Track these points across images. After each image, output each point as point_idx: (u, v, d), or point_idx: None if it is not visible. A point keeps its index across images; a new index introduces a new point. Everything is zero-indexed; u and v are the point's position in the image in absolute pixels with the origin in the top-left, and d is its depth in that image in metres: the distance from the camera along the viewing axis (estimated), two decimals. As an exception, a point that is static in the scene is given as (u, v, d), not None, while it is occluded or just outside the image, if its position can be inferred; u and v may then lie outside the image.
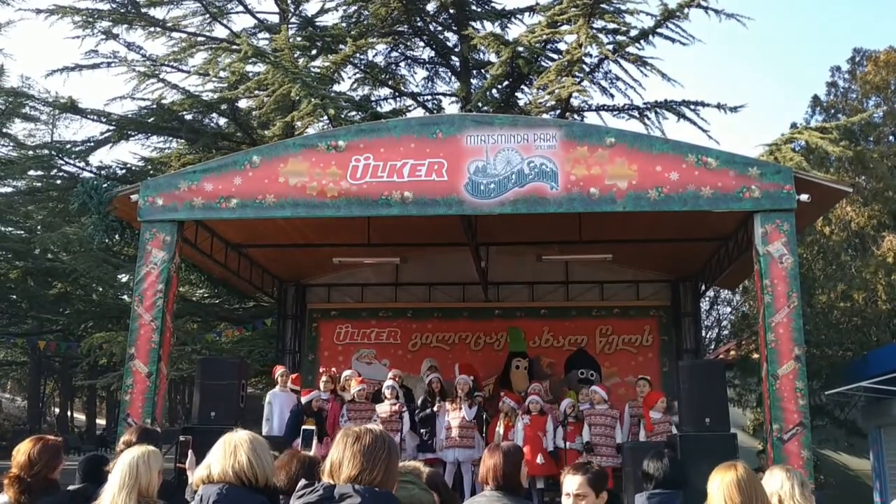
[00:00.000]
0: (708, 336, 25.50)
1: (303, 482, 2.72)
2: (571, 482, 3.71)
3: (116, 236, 10.73)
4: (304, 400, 10.44)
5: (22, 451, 4.43)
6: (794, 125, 18.00)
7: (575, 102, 17.21)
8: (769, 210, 8.86)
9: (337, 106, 15.39)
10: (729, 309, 25.69)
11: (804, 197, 8.80)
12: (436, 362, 12.87)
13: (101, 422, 41.26)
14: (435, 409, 10.74)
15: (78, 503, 4.28)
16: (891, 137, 18.01)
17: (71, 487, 4.87)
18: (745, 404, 16.97)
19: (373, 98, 20.14)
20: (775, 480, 3.93)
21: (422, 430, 10.74)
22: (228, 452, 3.20)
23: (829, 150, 13.46)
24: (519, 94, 18.65)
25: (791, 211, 8.83)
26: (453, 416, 10.45)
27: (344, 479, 2.60)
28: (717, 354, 20.66)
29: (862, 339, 14.53)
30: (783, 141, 13.67)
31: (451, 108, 20.06)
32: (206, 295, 22.09)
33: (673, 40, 15.96)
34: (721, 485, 3.34)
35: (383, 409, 10.42)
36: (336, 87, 18.70)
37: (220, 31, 20.42)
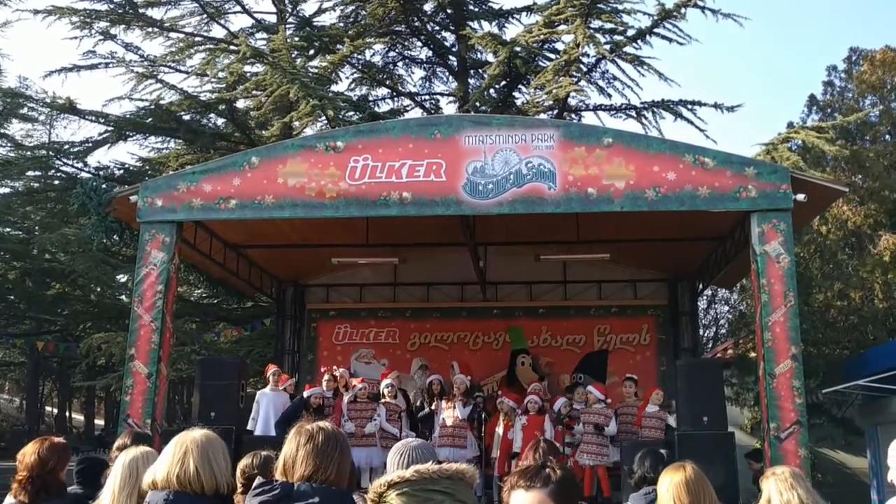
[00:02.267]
0: (705, 335, 25.58)
1: (259, 480, 2.72)
2: (523, 499, 2.27)
3: (116, 237, 10.76)
4: (305, 394, 10.44)
5: (30, 453, 4.43)
6: (790, 124, 18.06)
7: (572, 102, 17.25)
8: (766, 210, 8.91)
9: (335, 106, 15.41)
10: (726, 308, 25.78)
11: (801, 196, 8.85)
12: (426, 362, 12.93)
13: (99, 422, 41.25)
14: (432, 407, 10.77)
15: (85, 506, 4.29)
16: (887, 136, 18.05)
17: (70, 489, 4.89)
18: (743, 403, 17.00)
19: (370, 98, 20.18)
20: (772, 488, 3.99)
21: (424, 431, 10.77)
22: (176, 458, 3.11)
23: (825, 150, 13.51)
24: (516, 94, 18.69)
25: (788, 210, 8.87)
26: (447, 415, 10.48)
27: (298, 477, 2.61)
28: (715, 353, 20.71)
29: (859, 338, 14.58)
30: (780, 140, 13.72)
31: (448, 107, 20.11)
32: (204, 295, 22.11)
33: (670, 40, 15.99)
34: (670, 485, 3.39)
35: (387, 406, 10.46)
36: (334, 88, 18.72)
37: (217, 32, 20.45)
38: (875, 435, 13.20)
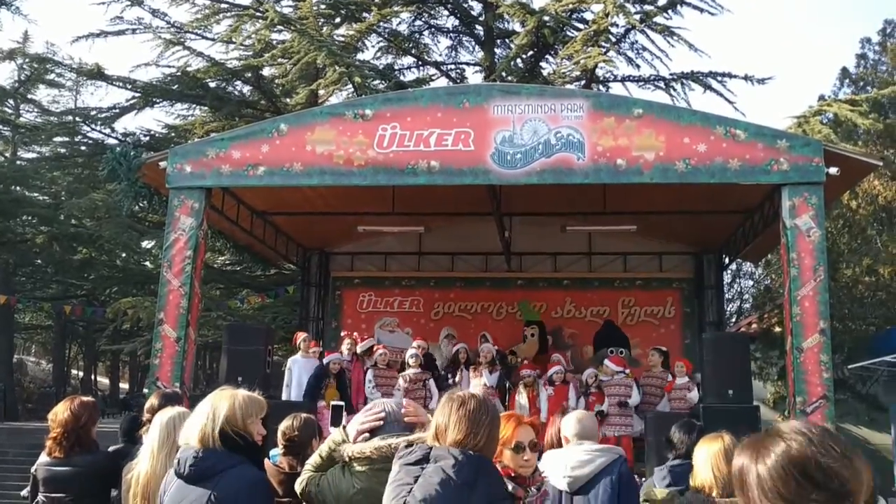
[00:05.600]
0: (729, 309, 25.44)
1: (404, 443, 2.77)
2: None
3: (145, 202, 10.84)
4: (325, 360, 10.53)
5: (62, 410, 4.52)
6: (822, 97, 17.78)
7: (600, 73, 17.12)
8: (797, 183, 8.80)
9: (362, 74, 15.38)
10: (751, 282, 25.60)
11: (833, 170, 8.73)
12: (454, 331, 12.95)
13: (123, 386, 41.85)
14: (457, 378, 10.81)
15: (118, 462, 4.37)
16: (921, 110, 17.75)
17: (111, 448, 4.98)
18: (766, 377, 16.98)
19: (396, 67, 20.11)
20: None
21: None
22: (208, 417, 3.09)
23: (858, 123, 13.31)
24: (543, 64, 18.56)
25: (820, 184, 8.77)
26: (475, 384, 10.53)
27: (449, 442, 2.64)
28: (739, 327, 20.62)
29: (886, 314, 14.46)
30: (812, 113, 13.55)
31: (474, 77, 20.00)
32: (227, 262, 22.29)
33: (701, 10, 15.81)
34: (708, 455, 3.37)
35: (409, 375, 10.51)
36: (360, 56, 18.68)
37: (244, -1, 20.40)
38: (900, 411, 13.13)
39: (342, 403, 6.03)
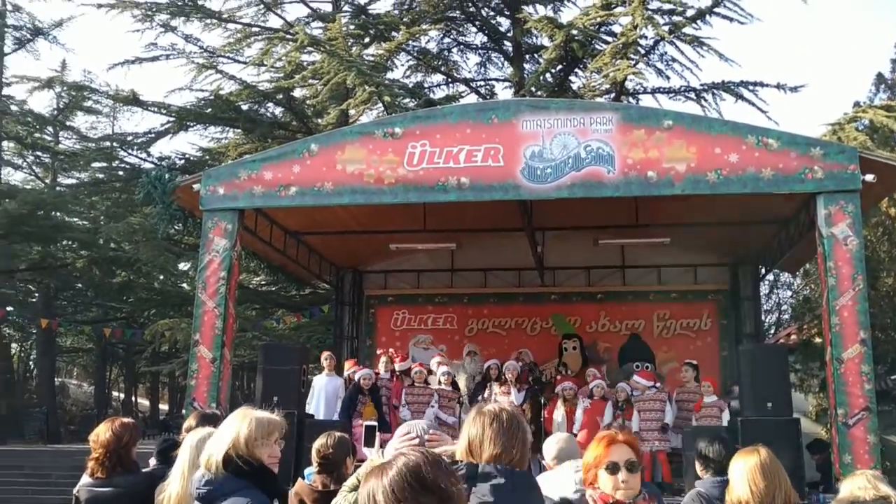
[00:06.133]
0: (767, 320, 25.08)
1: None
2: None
3: (179, 225, 10.99)
4: (356, 376, 10.54)
5: (104, 431, 4.55)
6: (857, 104, 17.53)
7: (630, 85, 17.04)
8: (833, 191, 8.69)
9: (392, 93, 15.49)
10: (789, 293, 25.24)
11: (869, 177, 8.60)
12: (476, 348, 12.91)
13: (163, 407, 42.30)
14: (486, 395, 10.77)
15: (155, 483, 4.40)
16: (959, 115, 17.40)
17: (146, 469, 5.03)
18: (808, 389, 16.62)
19: (426, 85, 20.23)
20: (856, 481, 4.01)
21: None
22: (214, 439, 3.14)
23: (894, 129, 13.09)
24: (573, 78, 18.56)
25: (856, 192, 8.64)
26: (502, 401, 10.48)
27: (487, 458, 2.61)
28: (778, 339, 20.30)
29: (929, 323, 14.13)
30: (846, 120, 13.34)
31: (504, 93, 20.05)
32: (263, 282, 22.50)
33: (731, 19, 15.69)
34: (744, 469, 3.30)
35: (441, 393, 10.51)
36: (389, 75, 18.84)
37: (274, 22, 20.74)
38: (947, 422, 12.82)
39: (375, 424, 6.01)
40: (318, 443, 4.23)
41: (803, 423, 15.72)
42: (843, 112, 14.17)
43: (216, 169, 10.29)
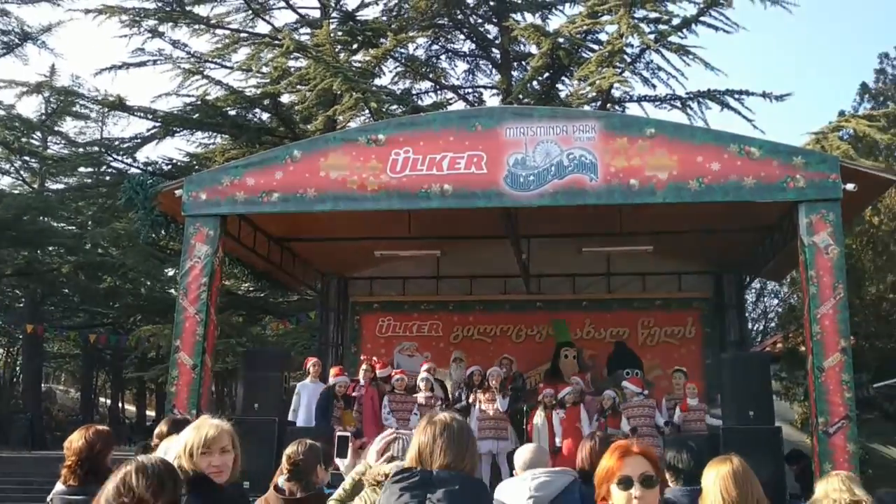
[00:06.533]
0: (754, 328, 25.16)
1: (399, 467, 2.78)
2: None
3: (162, 231, 10.95)
4: (330, 382, 10.50)
5: (77, 439, 4.53)
6: (841, 113, 17.62)
7: (616, 93, 17.10)
8: (814, 200, 8.70)
9: (378, 99, 15.49)
10: (776, 301, 25.33)
11: (850, 186, 8.62)
12: (462, 354, 12.86)
13: (150, 413, 42.11)
14: (469, 400, 10.74)
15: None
16: (943, 125, 17.52)
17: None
18: (793, 398, 16.69)
19: (414, 91, 20.27)
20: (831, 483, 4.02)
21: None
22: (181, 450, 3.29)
23: (877, 138, 13.19)
24: (560, 86, 18.60)
25: (837, 201, 8.66)
26: (487, 407, 10.46)
27: (437, 466, 2.64)
28: (764, 347, 20.36)
29: (912, 332, 14.22)
30: (830, 129, 13.42)
31: (492, 100, 20.09)
32: (251, 289, 22.42)
33: (716, 28, 15.76)
34: (717, 478, 3.30)
35: (420, 400, 10.46)
36: (377, 81, 18.84)
37: (262, 28, 20.70)
38: (929, 431, 12.87)
39: (348, 434, 5.99)
40: (289, 450, 4.21)
41: (789, 431, 15.81)
42: (827, 121, 14.27)
43: (198, 174, 10.26)
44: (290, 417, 10.54)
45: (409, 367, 12.91)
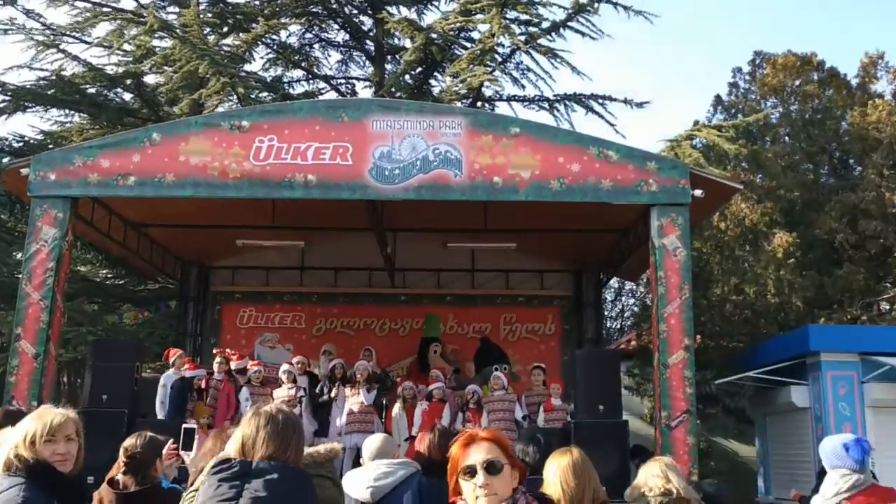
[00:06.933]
0: (613, 326, 26.15)
1: (218, 458, 2.76)
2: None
3: (7, 211, 10.32)
4: (187, 375, 10.21)
5: None
6: (695, 122, 18.53)
7: (487, 92, 17.34)
8: (665, 204, 9.14)
9: (247, 85, 15.13)
10: (633, 300, 26.40)
11: (698, 192, 9.10)
12: (333, 347, 12.81)
13: (-7, 405, 39.75)
14: (333, 394, 10.66)
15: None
16: (786, 138, 18.68)
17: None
18: (644, 393, 17.46)
19: (285, 80, 19.82)
20: (651, 468, 4.18)
21: (323, 416, 10.68)
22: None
23: (725, 148, 13.95)
24: (433, 82, 18.67)
25: (685, 205, 9.12)
26: (353, 401, 10.42)
27: (258, 458, 2.66)
28: (619, 344, 21.20)
29: (752, 331, 15.10)
30: (684, 137, 14.10)
31: (364, 92, 19.93)
32: (109, 276, 21.41)
33: (583, 34, 16.24)
34: (557, 469, 3.46)
35: (280, 393, 10.29)
36: (247, 67, 18.36)
37: (126, 3, 19.79)
38: (763, 424, 13.74)
39: (194, 427, 5.84)
40: (127, 442, 4.08)
41: (639, 424, 16.51)
42: (683, 129, 14.97)
43: (48, 153, 9.73)
44: (158, 412, 10.15)
45: (270, 359, 12.71)
